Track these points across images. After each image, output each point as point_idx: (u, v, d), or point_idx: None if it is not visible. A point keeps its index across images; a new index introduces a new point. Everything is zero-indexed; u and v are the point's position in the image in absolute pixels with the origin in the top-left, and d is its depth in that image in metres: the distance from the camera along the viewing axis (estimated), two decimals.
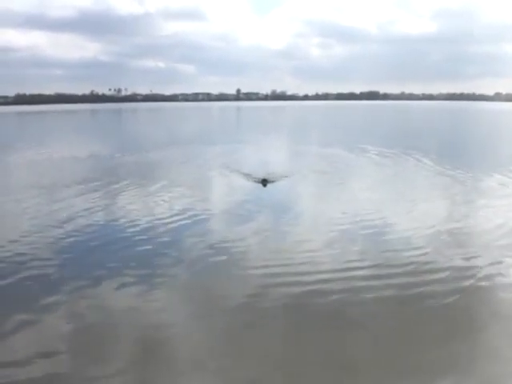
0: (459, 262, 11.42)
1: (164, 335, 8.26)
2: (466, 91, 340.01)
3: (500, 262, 11.38)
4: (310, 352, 7.73)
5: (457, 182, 22.16)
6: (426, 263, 11.33)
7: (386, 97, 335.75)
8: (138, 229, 14.54)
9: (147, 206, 17.65)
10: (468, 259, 11.63)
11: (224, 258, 11.90)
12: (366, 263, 11.39)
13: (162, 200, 18.68)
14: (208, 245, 12.79)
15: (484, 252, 12.11)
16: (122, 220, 15.66)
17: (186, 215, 15.97)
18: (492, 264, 11.25)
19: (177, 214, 16.07)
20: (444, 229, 14.24)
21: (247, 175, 23.98)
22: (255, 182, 22.26)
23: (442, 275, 10.60)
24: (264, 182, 21.66)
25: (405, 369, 7.24)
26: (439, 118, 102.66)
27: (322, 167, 27.32)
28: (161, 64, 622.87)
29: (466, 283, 10.19)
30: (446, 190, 20.56)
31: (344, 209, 16.68)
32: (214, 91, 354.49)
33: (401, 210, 16.95)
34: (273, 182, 22.11)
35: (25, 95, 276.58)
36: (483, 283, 10.20)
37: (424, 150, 34.06)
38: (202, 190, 21.29)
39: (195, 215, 15.97)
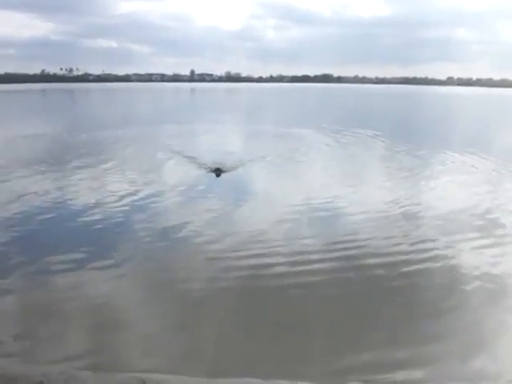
0: (417, 243, 11.81)
1: (116, 312, 8.40)
2: (418, 75, 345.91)
3: (458, 242, 11.88)
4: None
5: (418, 161, 23.49)
6: (383, 246, 11.59)
7: (339, 80, 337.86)
8: (86, 210, 14.54)
9: (94, 188, 17.46)
10: (425, 240, 12.00)
11: (169, 242, 11.87)
12: (320, 249, 11.34)
13: (109, 182, 18.43)
14: (152, 230, 12.77)
15: (445, 231, 12.59)
16: (71, 201, 15.64)
17: (127, 201, 15.59)
18: (450, 245, 11.66)
19: (116, 200, 15.71)
20: (405, 209, 14.77)
21: (198, 162, 21.83)
22: (207, 171, 20.03)
23: (399, 257, 10.90)
24: (217, 172, 19.40)
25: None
26: (394, 101, 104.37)
27: (282, 150, 26.48)
28: (114, 44, 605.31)
29: (423, 265, 10.51)
30: (407, 168, 21.55)
31: (304, 200, 15.78)
32: (169, 72, 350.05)
33: (363, 191, 17.30)
34: (228, 171, 19.87)
35: None
36: (443, 265, 10.48)
37: (382, 131, 35.47)
38: (148, 180, 19.04)
39: (139, 202, 15.57)
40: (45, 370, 6.28)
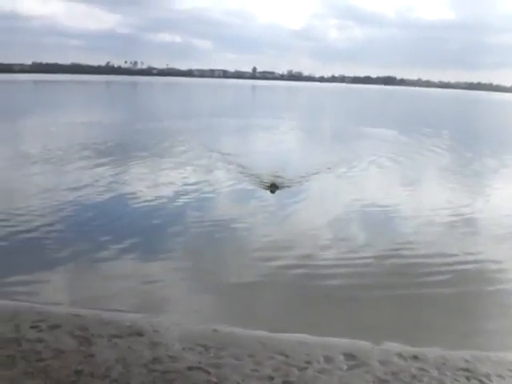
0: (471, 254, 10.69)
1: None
2: (482, 81, 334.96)
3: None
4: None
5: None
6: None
7: (402, 82, 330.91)
8: (138, 202, 14.32)
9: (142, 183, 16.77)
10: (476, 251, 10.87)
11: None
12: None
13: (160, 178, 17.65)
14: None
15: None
16: (125, 193, 15.38)
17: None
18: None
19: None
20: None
21: (252, 174, 17.87)
22: (261, 186, 16.35)
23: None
24: (272, 188, 15.94)
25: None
26: (466, 107, 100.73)
27: (351, 159, 22.14)
28: (177, 38, 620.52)
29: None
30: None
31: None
32: (230, 68, 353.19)
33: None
34: (285, 186, 16.37)
35: (41, 64, 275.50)
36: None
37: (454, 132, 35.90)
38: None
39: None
40: (132, 317, 7.40)
